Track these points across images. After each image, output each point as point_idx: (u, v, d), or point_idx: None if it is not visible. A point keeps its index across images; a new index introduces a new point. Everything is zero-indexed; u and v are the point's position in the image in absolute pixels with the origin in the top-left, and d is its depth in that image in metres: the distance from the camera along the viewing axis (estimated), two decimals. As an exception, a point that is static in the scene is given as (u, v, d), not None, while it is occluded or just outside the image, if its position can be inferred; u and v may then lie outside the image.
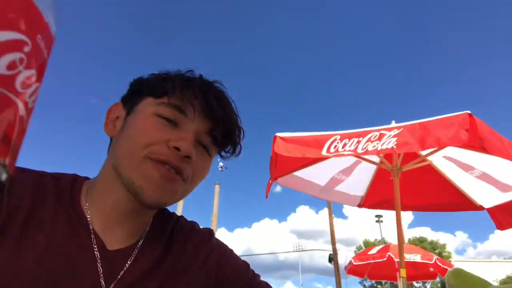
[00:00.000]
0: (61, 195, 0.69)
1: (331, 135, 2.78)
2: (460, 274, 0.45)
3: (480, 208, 4.02)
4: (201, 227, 0.88)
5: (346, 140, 2.69)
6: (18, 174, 0.68)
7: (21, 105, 0.21)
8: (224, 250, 0.85)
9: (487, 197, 3.90)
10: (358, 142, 2.64)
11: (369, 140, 2.61)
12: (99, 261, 0.65)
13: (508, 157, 2.49)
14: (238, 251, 0.88)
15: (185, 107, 0.69)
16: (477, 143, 2.37)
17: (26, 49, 0.21)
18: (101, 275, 0.65)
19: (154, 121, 0.68)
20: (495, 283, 0.46)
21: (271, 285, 0.86)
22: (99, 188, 0.71)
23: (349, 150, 2.63)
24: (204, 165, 0.74)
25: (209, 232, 0.86)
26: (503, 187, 3.60)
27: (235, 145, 0.78)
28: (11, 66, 0.20)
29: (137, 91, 0.74)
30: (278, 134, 2.93)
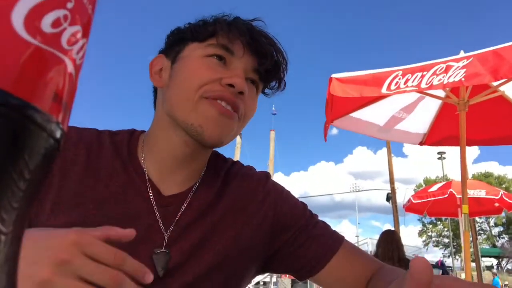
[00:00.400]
0: (119, 148, 0.74)
1: (392, 71, 2.59)
2: None
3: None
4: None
5: (408, 76, 2.49)
6: (75, 131, 0.73)
7: (69, 62, 0.21)
8: (281, 192, 0.86)
9: None
10: (422, 76, 2.43)
11: (434, 73, 2.39)
12: (155, 207, 0.70)
13: None
14: (295, 195, 0.89)
15: (233, 45, 0.70)
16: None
17: (69, 5, 0.20)
18: (159, 220, 0.69)
19: (204, 62, 0.70)
20: None
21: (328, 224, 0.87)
22: (154, 138, 0.74)
23: (412, 86, 2.44)
24: (253, 102, 0.76)
25: (266, 175, 0.87)
26: None
27: (280, 79, 0.79)
28: (56, 23, 0.20)
29: (179, 40, 0.75)
30: (334, 75, 2.81)
